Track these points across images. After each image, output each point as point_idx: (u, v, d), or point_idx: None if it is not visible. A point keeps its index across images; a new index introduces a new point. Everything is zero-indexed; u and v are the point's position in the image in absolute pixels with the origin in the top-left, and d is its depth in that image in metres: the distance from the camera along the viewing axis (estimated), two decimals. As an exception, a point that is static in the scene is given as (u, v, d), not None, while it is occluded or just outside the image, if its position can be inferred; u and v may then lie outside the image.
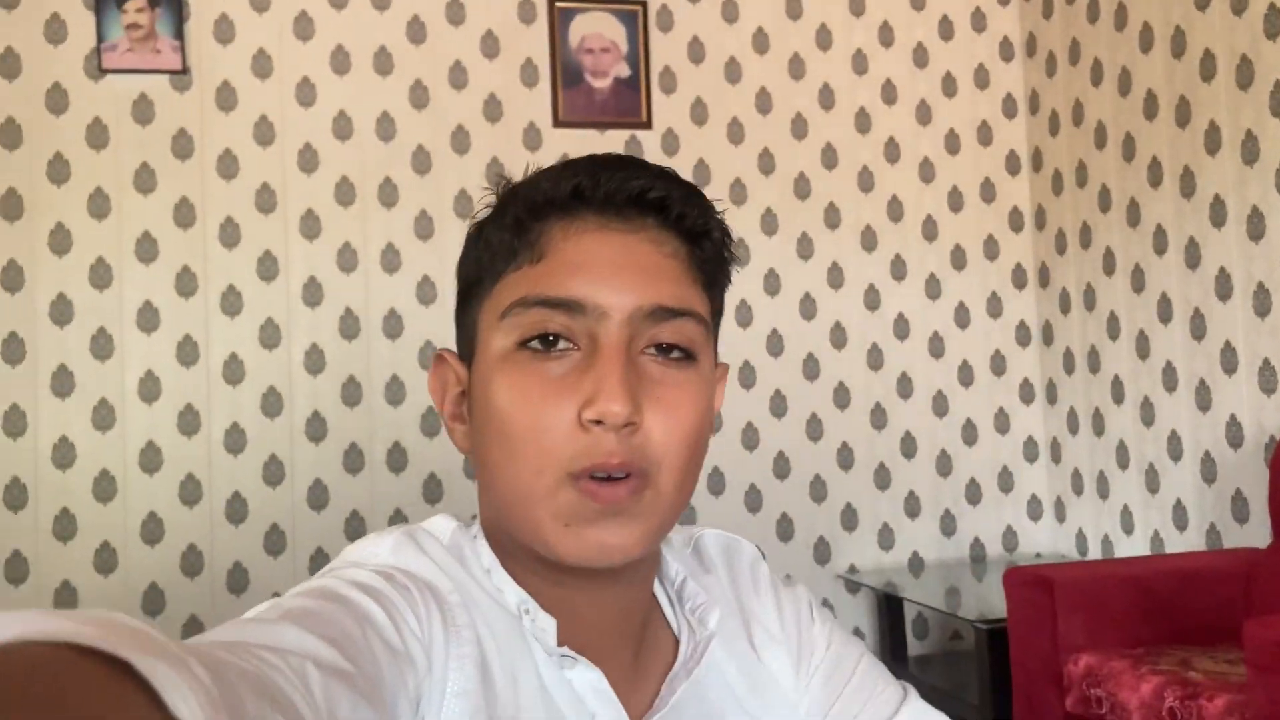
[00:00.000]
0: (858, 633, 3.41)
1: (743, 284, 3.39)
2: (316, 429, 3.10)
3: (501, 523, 0.60)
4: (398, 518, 3.12)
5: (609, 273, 0.56)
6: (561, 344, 0.56)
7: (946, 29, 3.60)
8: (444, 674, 0.53)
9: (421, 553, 0.58)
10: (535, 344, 0.56)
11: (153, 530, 2.98)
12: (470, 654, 0.54)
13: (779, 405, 3.41)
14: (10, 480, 2.91)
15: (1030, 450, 3.59)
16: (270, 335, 3.09)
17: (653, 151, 3.36)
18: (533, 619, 0.58)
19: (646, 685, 0.62)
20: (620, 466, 0.54)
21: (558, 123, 3.30)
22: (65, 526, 2.93)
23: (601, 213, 0.58)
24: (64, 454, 2.94)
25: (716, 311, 0.63)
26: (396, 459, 3.14)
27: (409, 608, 0.53)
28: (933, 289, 3.55)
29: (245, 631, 0.43)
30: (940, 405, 3.54)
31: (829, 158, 3.50)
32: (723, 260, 0.63)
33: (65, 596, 2.91)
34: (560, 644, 0.58)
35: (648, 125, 3.37)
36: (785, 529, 3.38)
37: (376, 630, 0.49)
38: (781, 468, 3.39)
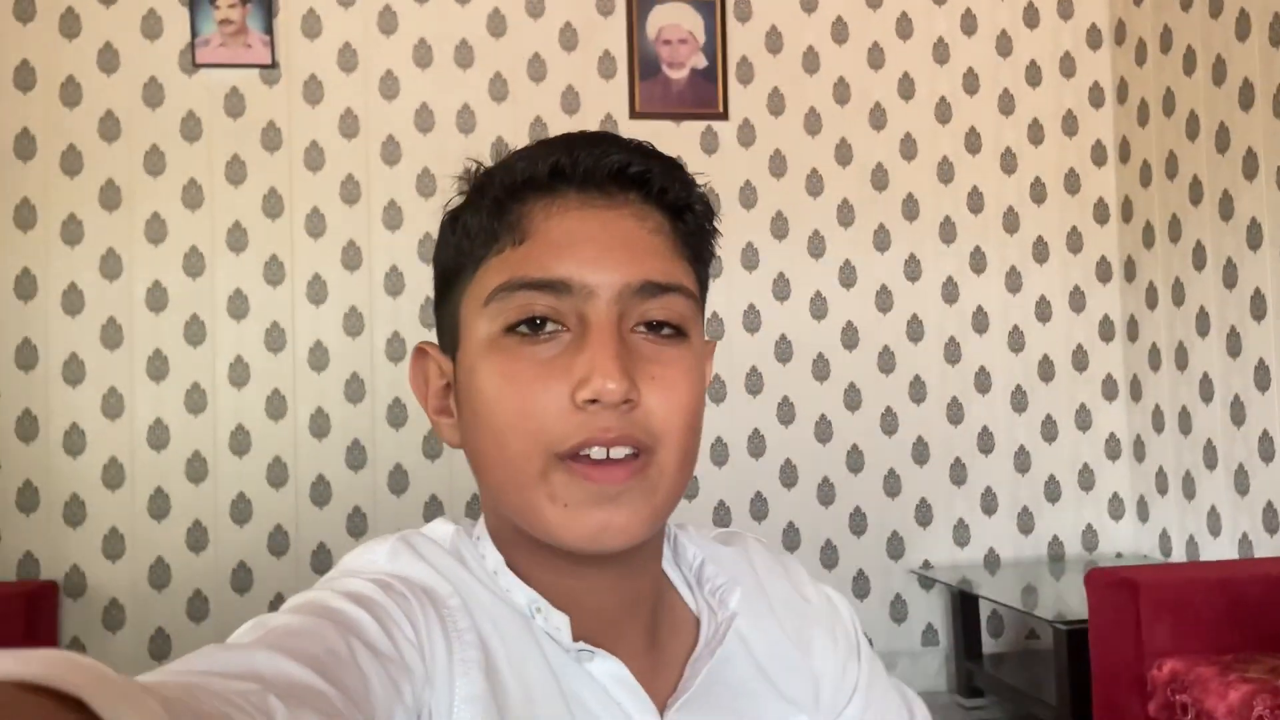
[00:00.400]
0: (931, 630, 3.39)
1: (819, 276, 3.37)
2: (397, 415, 3.17)
3: (502, 514, 0.59)
4: (475, 502, 3.18)
5: (594, 251, 0.55)
6: (549, 326, 0.55)
7: (1032, 16, 3.52)
8: (449, 681, 0.52)
9: (419, 558, 0.57)
10: (522, 328, 0.55)
11: (242, 510, 3.09)
12: (474, 658, 0.53)
13: (853, 398, 3.38)
14: (109, 460, 3.03)
15: (1112, 448, 3.52)
16: (354, 323, 3.17)
17: (729, 143, 3.35)
18: (545, 617, 0.57)
19: (668, 670, 0.61)
20: (618, 441, 0.53)
21: (634, 114, 3.31)
22: (160, 505, 3.05)
23: (582, 190, 0.56)
24: (159, 435, 3.06)
25: (703, 287, 0.62)
26: (474, 446, 3.19)
27: (405, 615, 0.52)
28: (1013, 282, 3.49)
29: (216, 660, 0.42)
30: (1019, 400, 3.48)
31: (908, 148, 3.45)
32: (705, 234, 0.61)
33: (159, 573, 3.04)
34: (574, 639, 0.57)
35: (724, 116, 3.36)
36: (858, 523, 3.36)
37: (366, 642, 0.48)
38: (855, 461, 3.37)
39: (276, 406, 3.12)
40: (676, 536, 0.68)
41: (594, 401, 0.53)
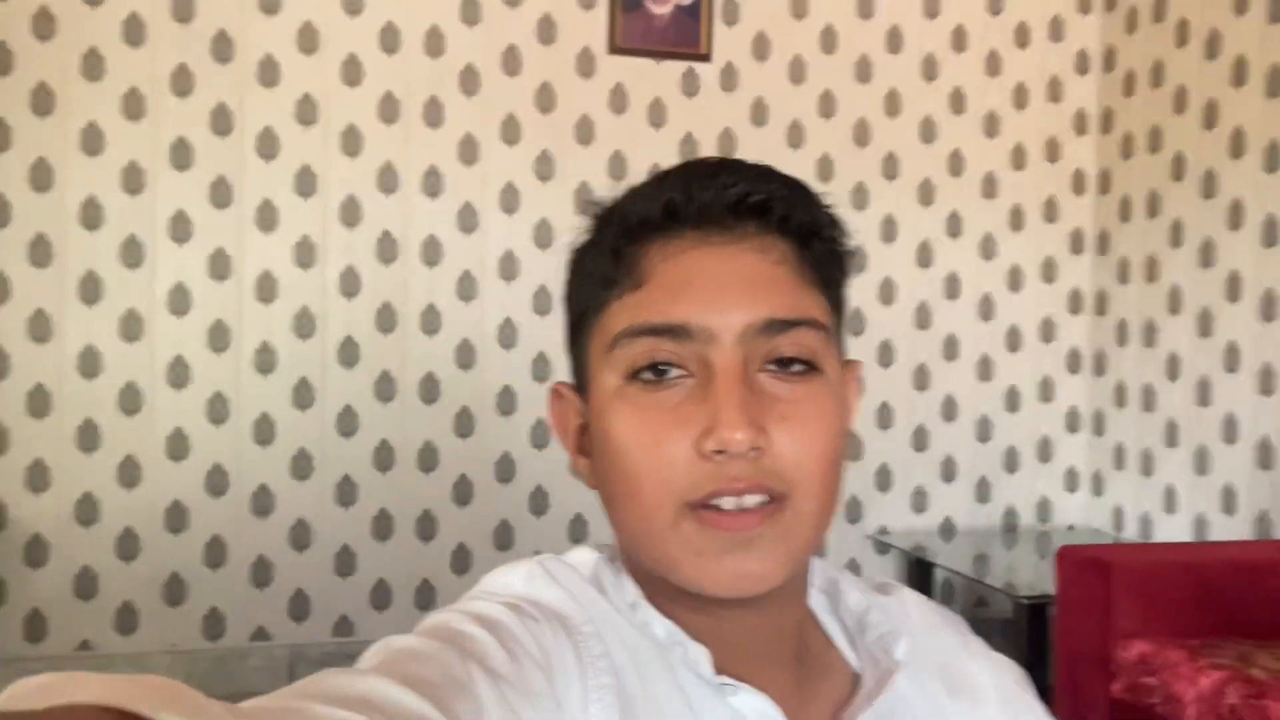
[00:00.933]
0: (883, 594, 3.37)
1: (793, 231, 3.27)
2: (349, 354, 3.01)
3: (636, 557, 0.58)
4: (427, 450, 3.05)
5: (713, 291, 0.53)
6: (673, 372, 0.54)
7: (1025, -24, 3.43)
8: (584, 706, 0.51)
9: (555, 583, 0.56)
10: (647, 374, 0.54)
11: (178, 447, 2.91)
12: (609, 684, 0.53)
13: (821, 359, 3.31)
14: (34, 387, 2.82)
15: (1072, 421, 3.51)
16: (305, 254, 2.98)
17: (710, 86, 3.21)
18: (684, 650, 0.56)
19: (817, 713, 0.59)
20: (749, 490, 0.52)
21: (613, 49, 3.15)
22: (89, 437, 2.86)
23: (699, 227, 0.54)
24: (90, 363, 2.86)
25: (838, 310, 0.59)
26: (429, 390, 3.05)
27: (534, 639, 0.51)
28: (988, 249, 3.43)
29: (329, 684, 0.41)
30: (985, 370, 3.44)
31: (892, 105, 3.35)
32: (838, 256, 0.58)
33: (86, 509, 2.85)
34: (717, 672, 0.56)
35: (706, 58, 3.21)
36: (818, 485, 3.31)
37: (487, 667, 0.48)
38: (819, 423, 3.31)
39: (219, 338, 2.93)
40: (837, 582, 0.65)
41: (721, 452, 0.52)
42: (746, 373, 0.53)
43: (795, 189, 0.56)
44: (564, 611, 0.55)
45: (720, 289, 0.53)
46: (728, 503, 0.52)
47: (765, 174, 0.56)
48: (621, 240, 0.56)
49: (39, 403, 2.83)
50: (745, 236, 0.55)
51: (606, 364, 0.55)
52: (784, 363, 0.54)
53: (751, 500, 0.52)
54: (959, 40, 3.39)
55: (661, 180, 0.56)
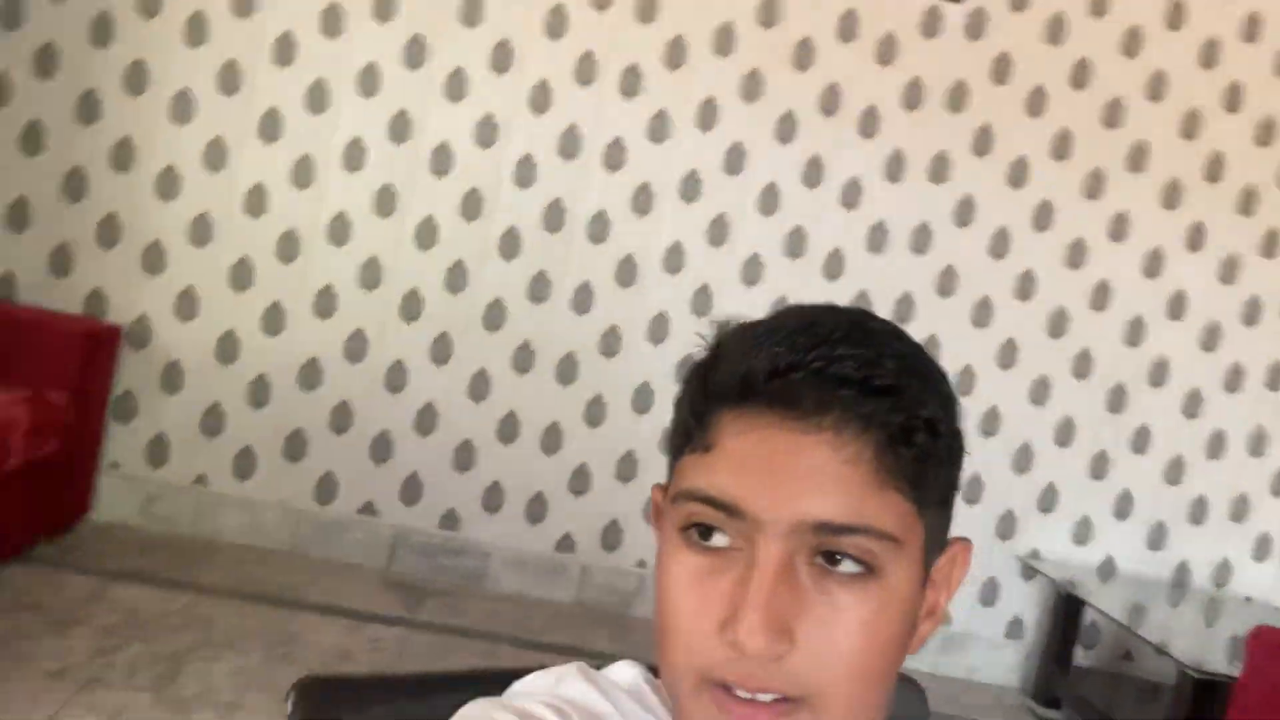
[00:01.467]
0: (1018, 623, 3.06)
1: (1010, 209, 2.94)
2: (510, 246, 2.86)
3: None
4: (568, 361, 2.90)
5: (770, 480, 0.51)
6: (722, 539, 0.53)
7: (1351, -35, 2.93)
8: None
9: (590, 685, 0.58)
10: (695, 534, 0.53)
11: (326, 304, 2.84)
12: None
13: (1007, 356, 2.98)
14: (199, 215, 2.80)
15: (1280, 484, 3.08)
16: (487, 133, 2.84)
17: (953, 30, 2.87)
18: None
19: None
20: (762, 689, 0.51)
21: (854, -29, 2.84)
22: (242, 276, 2.82)
23: (773, 406, 0.51)
24: (256, 201, 2.81)
25: (935, 504, 0.54)
26: (583, 300, 2.89)
27: None
28: (1229, 272, 3.01)
29: None
30: (1192, 405, 3.04)
31: (1156, 87, 2.94)
32: (933, 458, 0.53)
33: (227, 346, 2.83)
34: None
35: (955, -1, 2.87)
36: (973, 491, 3.01)
37: None
38: (990, 424, 3.00)
39: (385, 203, 2.84)
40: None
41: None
42: (788, 568, 0.50)
43: (894, 385, 0.51)
44: (597, 710, 0.56)
45: (779, 480, 0.51)
46: (742, 692, 0.51)
47: (868, 360, 0.51)
48: (700, 400, 0.54)
49: (201, 231, 2.80)
50: (821, 427, 0.51)
51: (671, 509, 0.55)
52: (834, 558, 0.51)
53: (765, 696, 0.51)
54: (1251, 28, 2.94)
55: (758, 338, 0.53)
